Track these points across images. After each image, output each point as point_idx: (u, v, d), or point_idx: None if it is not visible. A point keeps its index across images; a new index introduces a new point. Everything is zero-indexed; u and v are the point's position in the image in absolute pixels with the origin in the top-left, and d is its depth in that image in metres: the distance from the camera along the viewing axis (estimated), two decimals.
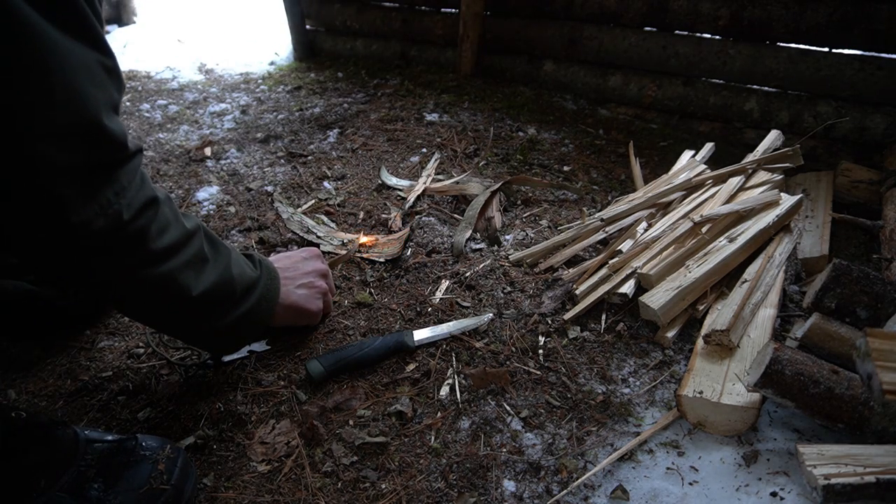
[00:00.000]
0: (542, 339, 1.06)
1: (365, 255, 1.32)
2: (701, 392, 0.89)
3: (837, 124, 1.71)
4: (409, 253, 1.31)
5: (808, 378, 0.82)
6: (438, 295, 1.17)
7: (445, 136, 1.93)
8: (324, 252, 1.32)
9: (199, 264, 0.81)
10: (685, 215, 1.26)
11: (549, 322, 1.09)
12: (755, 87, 1.88)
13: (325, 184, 1.65)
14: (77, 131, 0.62)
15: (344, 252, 1.32)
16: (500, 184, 1.52)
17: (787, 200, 1.21)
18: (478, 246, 1.34)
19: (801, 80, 1.77)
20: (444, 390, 0.97)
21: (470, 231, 1.35)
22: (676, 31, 1.97)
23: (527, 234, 1.38)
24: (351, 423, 0.91)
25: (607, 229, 1.31)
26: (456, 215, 1.46)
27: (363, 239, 1.37)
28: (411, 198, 1.52)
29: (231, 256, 0.87)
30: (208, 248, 0.83)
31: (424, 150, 1.85)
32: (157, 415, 0.94)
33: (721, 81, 1.94)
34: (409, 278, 1.23)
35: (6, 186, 0.61)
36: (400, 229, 1.41)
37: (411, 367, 1.01)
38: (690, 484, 0.83)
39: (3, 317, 1.03)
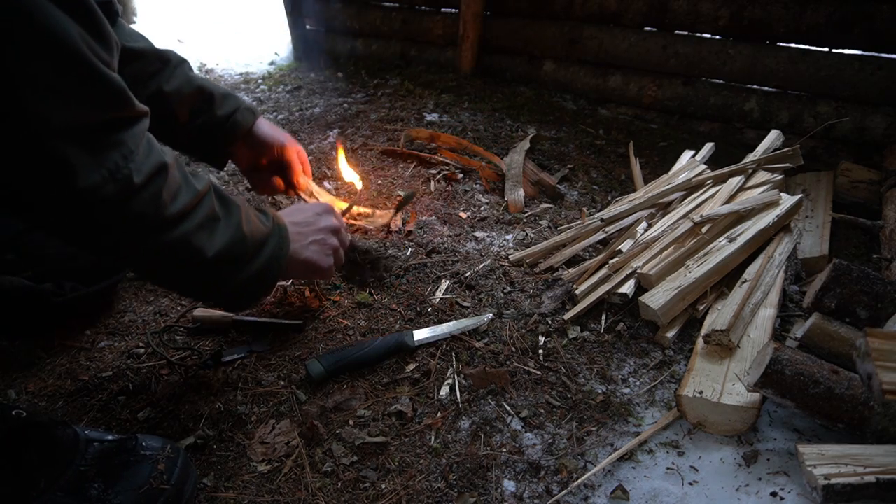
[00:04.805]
0: (542, 339, 1.06)
1: (357, 223, 1.33)
2: (701, 392, 0.89)
3: (837, 124, 1.71)
4: (409, 253, 1.31)
5: (808, 378, 0.82)
6: (438, 295, 1.17)
7: None
8: None
9: (211, 224, 0.80)
10: (685, 215, 1.26)
11: (549, 322, 1.09)
12: (755, 87, 1.88)
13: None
14: (69, 78, 0.60)
15: (347, 204, 1.32)
16: (528, 138, 1.52)
17: (787, 200, 1.21)
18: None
19: (801, 80, 1.77)
20: (444, 390, 0.97)
21: (521, 189, 1.35)
22: (676, 31, 1.97)
23: (527, 234, 1.38)
24: (351, 423, 0.91)
25: (607, 229, 1.31)
26: (459, 213, 1.47)
27: (359, 209, 1.39)
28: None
29: (242, 213, 0.86)
30: (219, 206, 0.82)
31: None
32: (157, 415, 0.94)
33: (721, 81, 1.94)
34: (409, 278, 1.23)
35: (12, 153, 0.60)
36: (400, 228, 1.41)
37: (411, 367, 1.01)
38: (690, 484, 0.83)
39: (0, 313, 1.03)
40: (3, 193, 0.64)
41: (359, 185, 1.40)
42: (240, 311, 1.04)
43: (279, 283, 1.21)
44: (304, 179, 1.24)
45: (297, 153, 1.21)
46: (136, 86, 1.01)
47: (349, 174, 1.41)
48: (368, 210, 1.40)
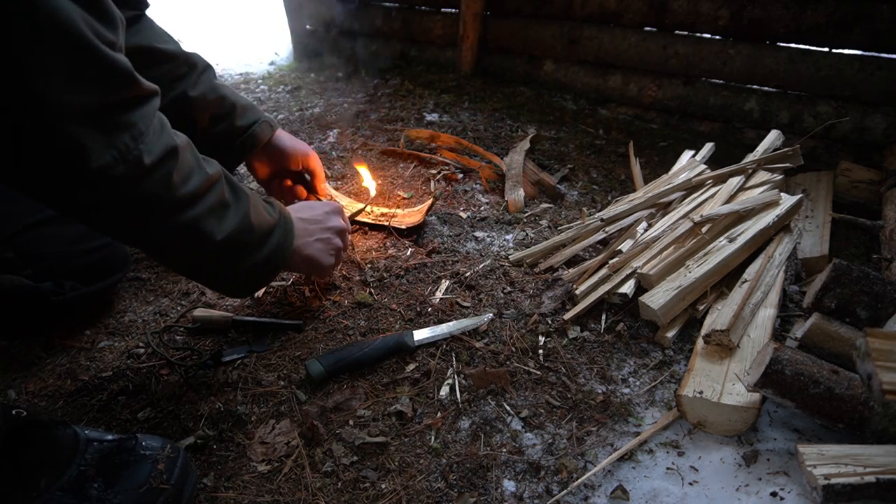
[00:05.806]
0: (542, 339, 1.06)
1: (388, 224, 1.38)
2: (701, 392, 0.89)
3: (837, 124, 1.71)
4: (409, 252, 1.31)
5: (808, 378, 0.82)
6: (438, 295, 1.17)
7: None
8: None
9: (221, 210, 0.81)
10: (685, 215, 1.26)
11: (549, 322, 1.09)
12: (755, 87, 1.88)
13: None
14: (75, 61, 0.61)
15: (362, 205, 1.37)
16: (528, 138, 1.54)
17: (787, 200, 1.21)
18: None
19: (801, 80, 1.77)
20: (444, 390, 0.97)
21: (521, 189, 1.36)
22: (676, 31, 1.97)
23: (527, 234, 1.38)
24: (351, 423, 0.91)
25: (607, 229, 1.31)
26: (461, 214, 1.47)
27: (380, 209, 1.44)
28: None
29: (250, 202, 0.87)
30: (229, 193, 0.83)
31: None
32: (157, 415, 0.94)
33: (721, 81, 1.94)
34: (409, 278, 1.23)
35: (26, 137, 0.60)
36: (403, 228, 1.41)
37: (411, 367, 1.01)
38: (690, 484, 0.83)
39: (0, 312, 1.03)
40: (17, 176, 0.65)
41: (373, 192, 1.46)
42: (240, 297, 1.10)
43: (279, 281, 1.21)
44: (324, 185, 1.30)
45: (318, 161, 1.25)
46: (162, 88, 1.04)
47: (369, 181, 1.48)
48: (388, 210, 1.44)
